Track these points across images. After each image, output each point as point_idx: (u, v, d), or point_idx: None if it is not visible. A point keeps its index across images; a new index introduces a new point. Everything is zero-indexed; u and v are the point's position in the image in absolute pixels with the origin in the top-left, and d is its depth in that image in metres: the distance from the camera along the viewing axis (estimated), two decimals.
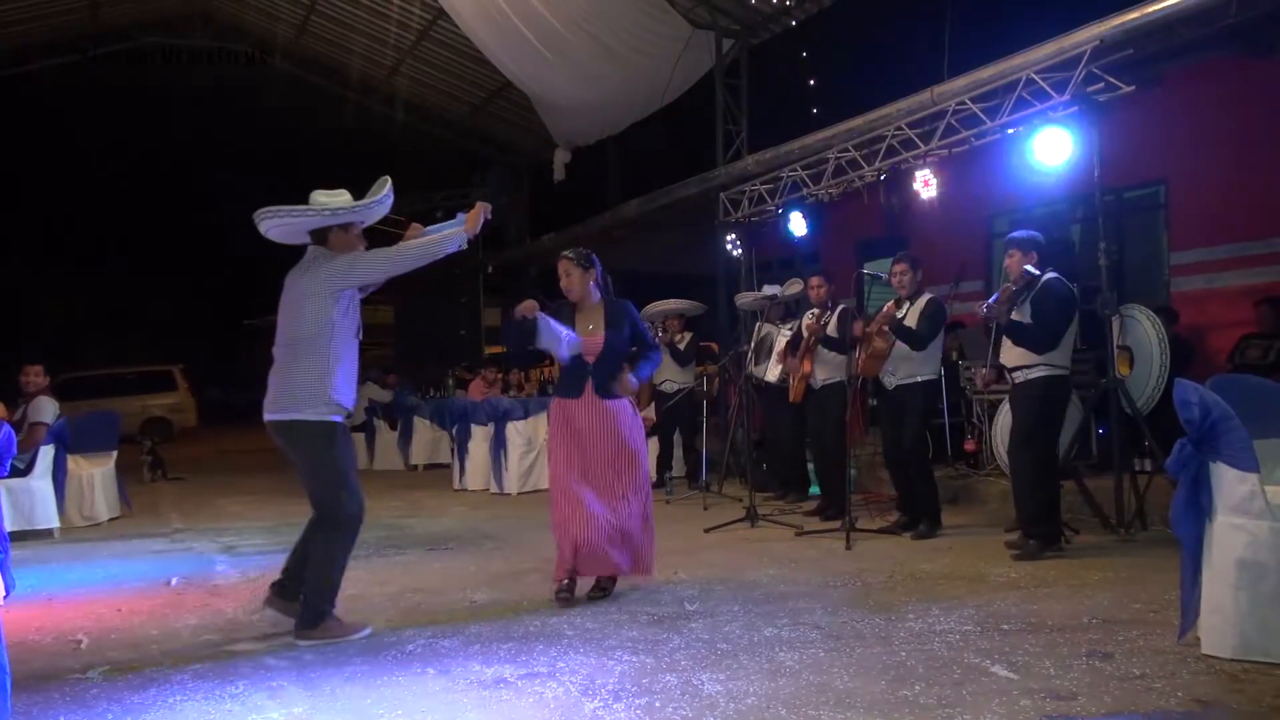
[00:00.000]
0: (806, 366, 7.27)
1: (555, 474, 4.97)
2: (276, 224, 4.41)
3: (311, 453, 4.35)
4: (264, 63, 17.19)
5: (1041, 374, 5.60)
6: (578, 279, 5.06)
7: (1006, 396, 6.54)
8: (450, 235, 4.52)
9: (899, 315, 6.33)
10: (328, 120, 18.85)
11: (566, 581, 4.84)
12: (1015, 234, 5.90)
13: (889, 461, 6.73)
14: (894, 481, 6.77)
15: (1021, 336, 5.73)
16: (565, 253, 5.16)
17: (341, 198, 4.47)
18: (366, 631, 4.35)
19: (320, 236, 4.45)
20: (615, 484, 4.93)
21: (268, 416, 4.36)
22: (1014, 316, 5.65)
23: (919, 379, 6.38)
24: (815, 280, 7.46)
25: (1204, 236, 8.73)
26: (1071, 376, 5.78)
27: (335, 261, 4.38)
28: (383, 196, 4.50)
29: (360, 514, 4.46)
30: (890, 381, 6.47)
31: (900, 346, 6.31)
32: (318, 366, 4.29)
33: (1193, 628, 3.67)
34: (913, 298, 6.42)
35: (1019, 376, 5.72)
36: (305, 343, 4.30)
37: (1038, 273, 5.64)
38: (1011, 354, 5.75)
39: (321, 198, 4.45)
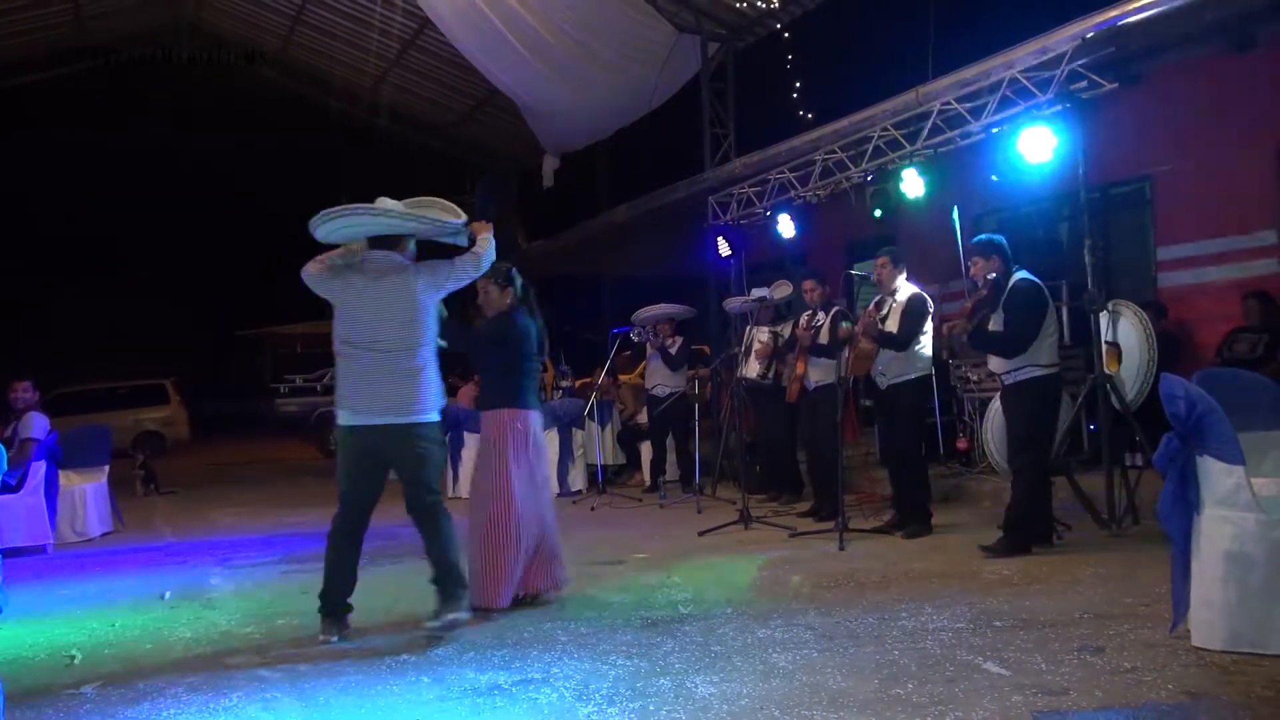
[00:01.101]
0: (800, 368, 7.29)
1: None
2: (365, 223, 4.41)
3: (430, 448, 4.53)
4: (251, 75, 17.17)
5: (1027, 375, 5.60)
6: (495, 297, 5.08)
7: (997, 394, 6.56)
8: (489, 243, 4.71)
9: (882, 313, 6.35)
10: (315, 132, 18.84)
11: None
12: (973, 240, 5.95)
13: (886, 460, 6.74)
14: (891, 480, 6.77)
15: (988, 345, 5.74)
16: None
17: (388, 203, 4.55)
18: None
19: (393, 242, 4.52)
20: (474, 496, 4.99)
21: (395, 420, 4.38)
22: (991, 326, 5.67)
23: (910, 377, 6.40)
24: (809, 284, 7.48)
25: (1190, 231, 8.76)
26: (1060, 373, 5.77)
27: (438, 268, 4.56)
28: (445, 222, 4.65)
29: None
30: (882, 381, 6.49)
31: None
32: (436, 370, 4.52)
33: (1184, 620, 3.69)
34: (895, 293, 6.45)
35: (1006, 379, 5.72)
36: (428, 347, 4.48)
37: (993, 276, 5.65)
38: (995, 358, 5.76)
39: (390, 202, 4.52)
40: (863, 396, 8.42)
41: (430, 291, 4.51)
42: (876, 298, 6.61)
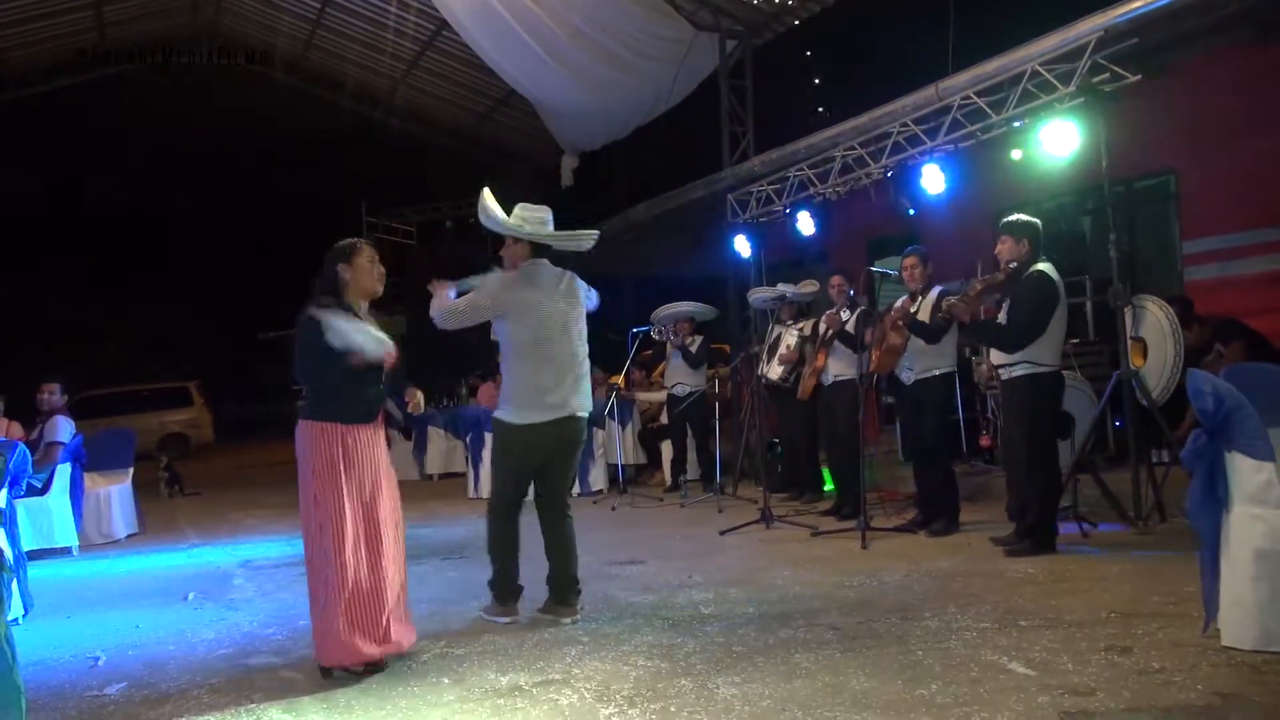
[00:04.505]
0: (820, 360, 7.22)
1: (339, 522, 3.84)
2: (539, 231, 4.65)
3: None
4: (269, 79, 17.29)
5: (1023, 372, 5.46)
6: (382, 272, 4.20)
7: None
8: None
9: (912, 310, 6.29)
10: (335, 134, 18.94)
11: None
12: (1008, 218, 5.69)
13: (909, 457, 6.67)
14: (916, 477, 6.70)
15: (984, 336, 5.59)
16: (368, 241, 4.24)
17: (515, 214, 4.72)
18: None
19: (543, 251, 4.72)
20: (395, 532, 4.06)
21: (581, 413, 4.66)
22: (999, 316, 5.56)
23: (937, 373, 6.33)
24: (836, 280, 7.43)
25: (1217, 224, 8.65)
26: (1060, 372, 5.58)
27: (580, 283, 4.78)
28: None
29: None
30: (908, 377, 6.43)
31: (916, 341, 6.27)
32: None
33: (1215, 620, 3.63)
34: (924, 292, 6.38)
35: (1003, 374, 5.62)
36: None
37: (1014, 264, 5.53)
38: (996, 350, 5.66)
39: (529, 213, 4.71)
40: (884, 393, 8.36)
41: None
42: (904, 296, 6.52)
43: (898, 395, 6.86)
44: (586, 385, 4.72)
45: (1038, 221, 5.65)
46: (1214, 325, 7.03)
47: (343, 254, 4.06)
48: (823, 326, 7.33)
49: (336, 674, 3.87)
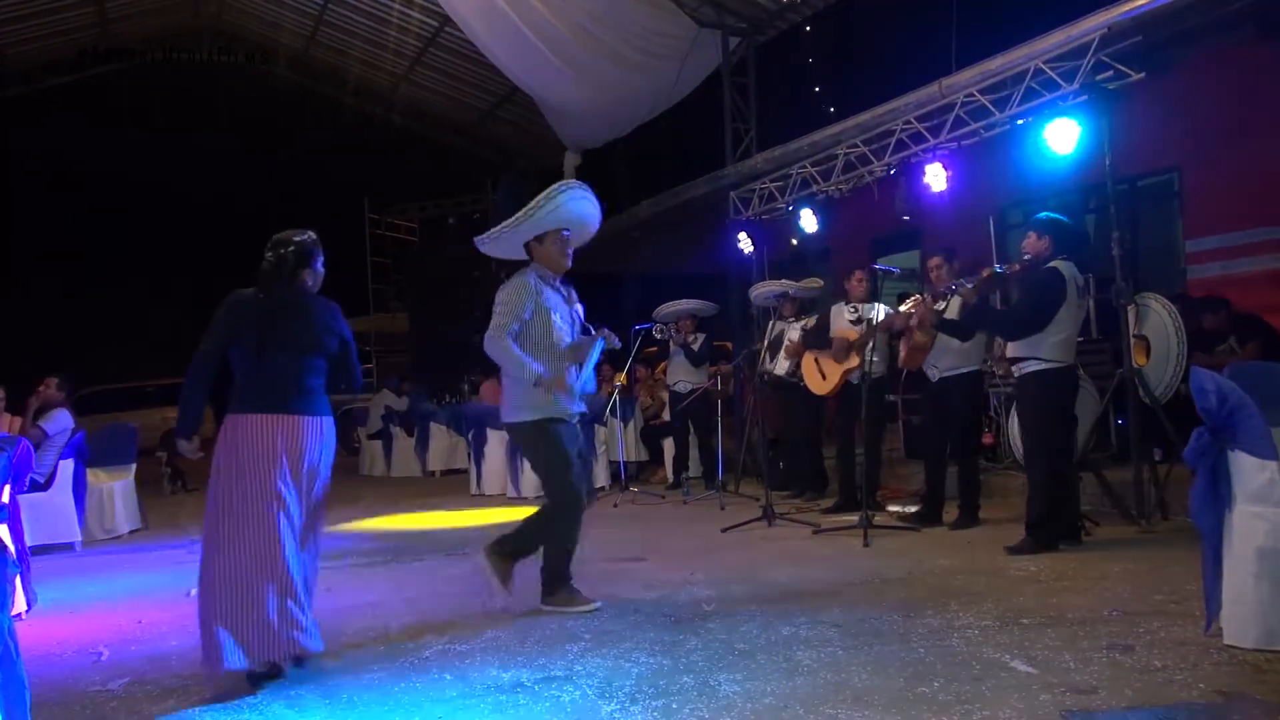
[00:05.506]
0: (855, 360, 7.17)
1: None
2: (490, 246, 4.83)
3: (526, 450, 4.91)
4: (271, 75, 17.31)
5: (1031, 369, 5.47)
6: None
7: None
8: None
9: (939, 309, 6.25)
10: (336, 130, 18.93)
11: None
12: (1038, 215, 5.76)
13: (915, 454, 6.66)
14: (928, 473, 6.68)
15: (981, 319, 5.61)
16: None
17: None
18: (598, 605, 4.67)
19: (527, 251, 4.76)
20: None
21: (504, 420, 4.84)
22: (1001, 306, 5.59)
23: (964, 370, 6.34)
24: (859, 274, 7.38)
25: (1220, 223, 8.65)
26: (1070, 369, 5.57)
27: (502, 290, 4.66)
28: (539, 208, 4.55)
29: (578, 498, 4.68)
30: (934, 374, 6.42)
31: (942, 339, 6.24)
32: (509, 376, 4.69)
33: (1217, 619, 3.62)
34: (950, 290, 6.36)
35: (1015, 370, 5.64)
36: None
37: (1028, 257, 5.54)
38: (1010, 344, 5.67)
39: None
40: (887, 392, 8.34)
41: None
42: (930, 294, 6.49)
43: (922, 392, 6.85)
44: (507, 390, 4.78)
45: (1064, 219, 5.67)
46: (1236, 318, 7.08)
47: (319, 249, 4.11)
48: (849, 317, 7.21)
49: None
